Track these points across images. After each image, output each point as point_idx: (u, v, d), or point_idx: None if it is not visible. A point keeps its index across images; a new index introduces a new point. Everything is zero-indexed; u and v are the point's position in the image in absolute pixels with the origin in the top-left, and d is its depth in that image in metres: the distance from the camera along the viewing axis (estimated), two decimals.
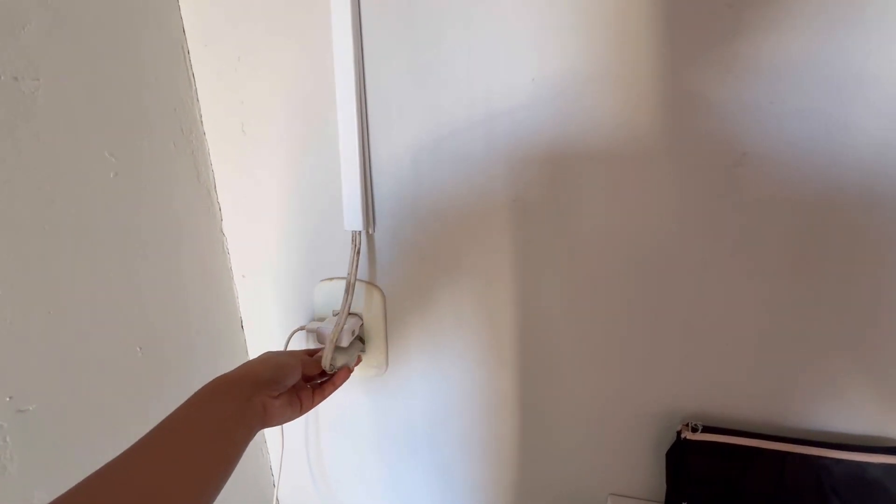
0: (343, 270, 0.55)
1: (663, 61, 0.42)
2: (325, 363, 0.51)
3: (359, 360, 0.56)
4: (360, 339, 0.60)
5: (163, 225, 0.54)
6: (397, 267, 0.56)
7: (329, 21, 0.48)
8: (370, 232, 0.55)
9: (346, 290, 0.54)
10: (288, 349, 0.59)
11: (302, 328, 0.59)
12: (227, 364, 0.65)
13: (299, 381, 0.47)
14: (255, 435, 0.40)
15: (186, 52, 0.55)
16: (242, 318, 0.66)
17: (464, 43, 0.46)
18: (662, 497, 0.52)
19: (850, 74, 0.38)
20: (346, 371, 0.53)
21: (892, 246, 0.41)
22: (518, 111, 0.47)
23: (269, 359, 0.44)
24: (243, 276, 0.64)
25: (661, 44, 0.42)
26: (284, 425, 0.45)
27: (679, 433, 0.49)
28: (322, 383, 0.50)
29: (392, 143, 0.52)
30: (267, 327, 0.66)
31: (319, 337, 0.56)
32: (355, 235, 0.54)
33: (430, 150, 0.51)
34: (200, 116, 0.57)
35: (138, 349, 0.51)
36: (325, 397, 0.50)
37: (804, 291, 0.44)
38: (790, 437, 0.47)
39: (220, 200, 0.61)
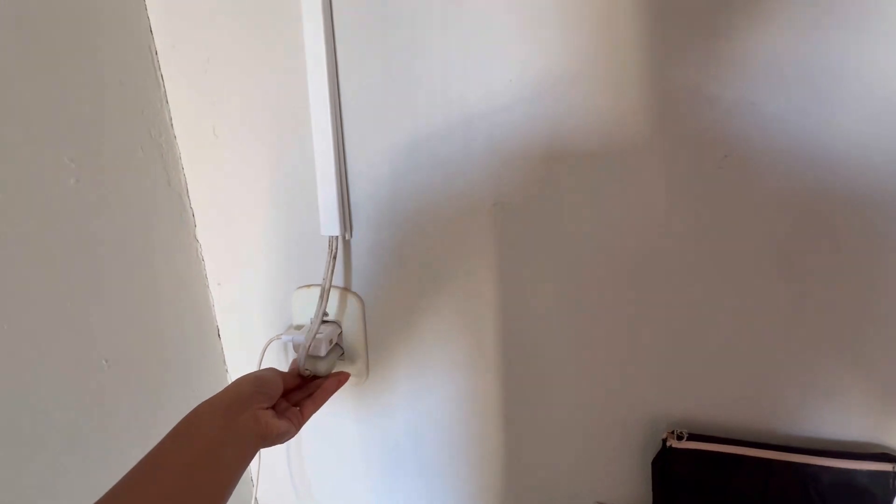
0: (321, 277, 0.53)
1: (643, 61, 0.41)
2: (300, 366, 0.49)
3: (347, 376, 0.53)
4: (340, 347, 0.59)
5: (131, 232, 0.52)
6: (376, 273, 0.55)
7: (301, 20, 0.46)
8: (347, 237, 0.54)
9: (321, 297, 0.53)
10: (264, 359, 0.58)
11: (278, 337, 0.57)
12: (205, 374, 0.64)
13: (282, 401, 0.45)
14: (255, 453, 0.38)
15: (154, 54, 0.53)
16: (219, 327, 0.64)
17: (440, 44, 0.45)
18: None
19: (833, 74, 0.37)
20: (336, 378, 0.51)
21: (879, 247, 0.40)
22: (497, 113, 0.46)
23: (247, 375, 0.43)
24: (219, 284, 0.62)
25: (642, 43, 0.40)
26: None
27: (664, 441, 0.48)
28: (312, 394, 0.49)
29: (368, 146, 0.50)
30: (244, 336, 0.64)
31: (295, 346, 0.54)
32: (332, 241, 0.52)
33: (408, 153, 0.49)
34: (170, 119, 0.55)
35: (104, 362, 0.49)
36: (318, 407, 0.48)
37: (789, 294, 0.43)
38: (776, 444, 0.46)
39: (192, 206, 0.59)
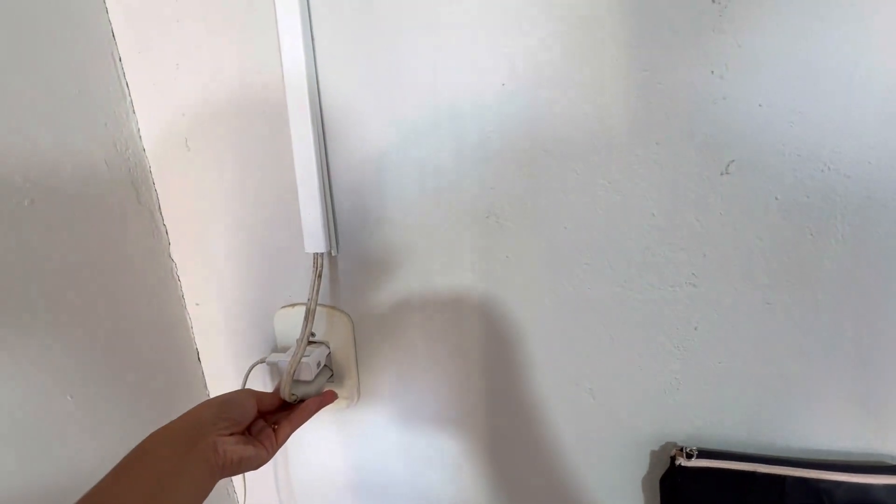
0: (306, 296, 0.50)
1: (643, 62, 0.38)
2: (284, 394, 0.46)
3: (333, 396, 0.50)
4: (329, 369, 0.55)
5: (97, 253, 0.48)
6: (365, 290, 0.52)
7: (276, 23, 0.43)
8: (333, 253, 0.50)
9: (306, 317, 0.49)
10: (247, 384, 0.54)
11: (262, 361, 0.53)
12: (185, 399, 0.60)
13: (259, 421, 0.42)
14: (213, 485, 0.35)
15: (118, 60, 0.49)
16: (198, 350, 0.61)
17: (427, 46, 0.42)
18: None
19: (844, 73, 0.36)
20: (319, 398, 0.48)
21: (892, 252, 0.39)
22: (488, 119, 0.43)
23: (212, 399, 0.40)
24: (197, 305, 0.58)
25: (640, 43, 0.38)
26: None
27: (673, 459, 0.46)
28: (291, 415, 0.45)
29: (352, 157, 0.47)
30: (227, 359, 0.60)
31: (280, 370, 0.51)
32: (316, 258, 0.49)
33: (395, 164, 0.46)
34: (138, 131, 0.51)
35: (69, 398, 0.45)
36: (294, 427, 0.44)
37: (800, 304, 0.41)
38: (790, 458, 0.44)
39: (165, 223, 0.55)
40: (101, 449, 0.47)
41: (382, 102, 0.45)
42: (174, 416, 0.36)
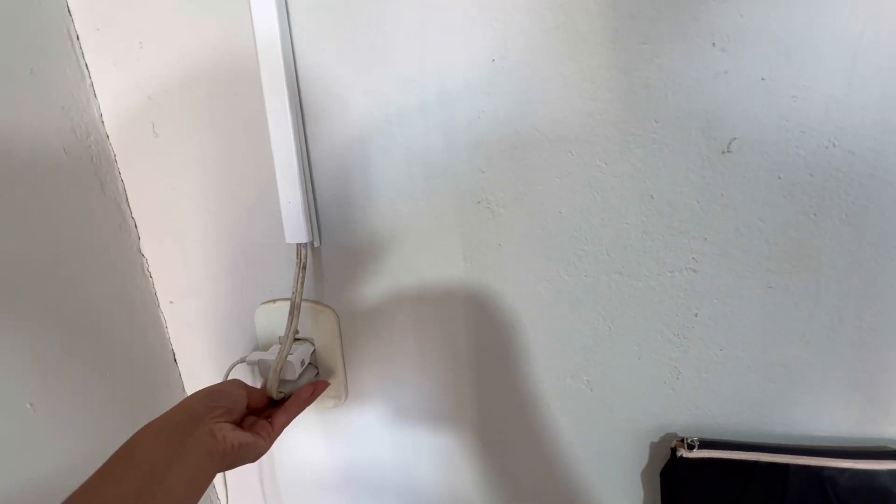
0: (288, 290, 0.47)
1: (642, 34, 0.36)
2: (272, 392, 0.43)
3: (325, 385, 0.47)
4: (314, 367, 0.53)
5: (58, 248, 0.44)
6: (350, 283, 0.49)
7: None
8: (315, 244, 0.48)
9: (291, 313, 0.47)
10: None
11: (242, 360, 0.50)
12: (161, 403, 0.56)
13: (250, 417, 0.40)
14: (212, 475, 0.33)
15: (75, 39, 0.45)
16: (174, 350, 0.57)
17: (412, 20, 0.39)
18: None
19: (849, 45, 0.34)
20: (312, 385, 0.45)
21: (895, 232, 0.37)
22: (478, 98, 0.40)
23: (200, 390, 0.37)
24: (171, 303, 0.55)
25: (639, 12, 0.36)
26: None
27: (674, 450, 0.45)
28: (285, 404, 0.43)
29: (334, 140, 0.44)
30: (205, 359, 0.57)
31: (262, 369, 0.48)
32: (299, 249, 0.46)
33: (380, 147, 0.44)
34: (101, 116, 0.48)
35: (28, 406, 0.41)
36: (291, 417, 0.42)
37: (801, 288, 0.40)
38: (792, 446, 0.43)
39: (134, 216, 0.51)
40: (69, 462, 0.44)
41: (365, 82, 0.42)
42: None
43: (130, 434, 0.31)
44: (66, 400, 0.44)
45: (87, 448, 0.45)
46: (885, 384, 0.41)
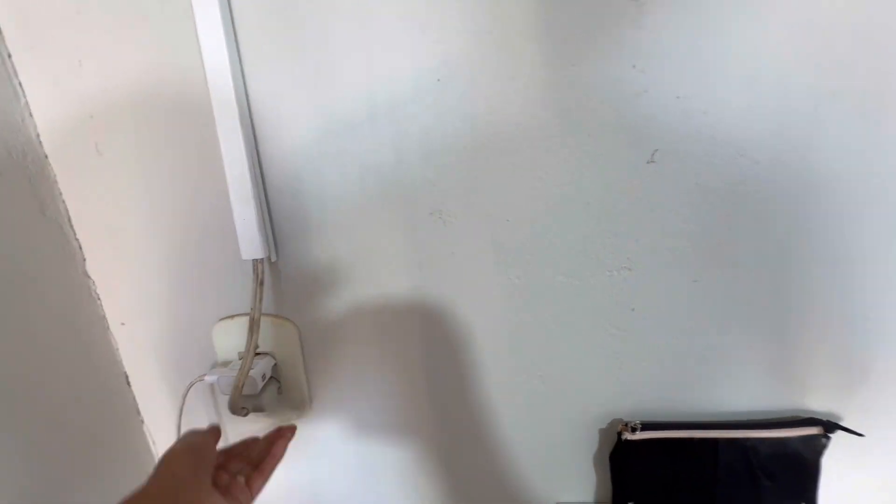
0: (246, 306, 0.47)
1: (571, 57, 0.40)
2: (235, 409, 0.43)
3: (292, 431, 0.44)
4: (276, 381, 0.53)
5: None
6: (310, 296, 0.50)
7: (192, 13, 0.40)
8: (273, 259, 0.48)
9: (250, 329, 0.47)
10: (185, 405, 0.50)
11: (201, 378, 0.50)
12: (116, 431, 0.54)
13: (223, 475, 0.37)
14: None
15: (7, 57, 0.43)
16: (127, 374, 0.56)
17: (358, 42, 0.41)
18: (610, 500, 0.51)
19: (747, 66, 0.39)
20: (283, 439, 0.42)
21: (803, 230, 0.42)
22: (426, 115, 0.43)
23: (174, 449, 0.35)
24: (122, 324, 0.53)
25: (568, 38, 0.39)
26: None
27: (619, 434, 0.49)
28: (259, 465, 0.40)
29: (286, 156, 0.45)
30: (160, 381, 0.55)
31: (223, 386, 0.48)
32: (256, 265, 0.47)
33: (333, 162, 0.45)
34: (38, 136, 0.46)
35: None
36: (267, 477, 0.40)
37: (722, 280, 0.45)
38: (721, 422, 0.48)
39: (78, 237, 0.50)
40: (19, 493, 0.42)
41: (315, 100, 0.43)
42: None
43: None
44: (10, 432, 0.42)
45: (39, 479, 0.43)
46: (796, 361, 0.47)
